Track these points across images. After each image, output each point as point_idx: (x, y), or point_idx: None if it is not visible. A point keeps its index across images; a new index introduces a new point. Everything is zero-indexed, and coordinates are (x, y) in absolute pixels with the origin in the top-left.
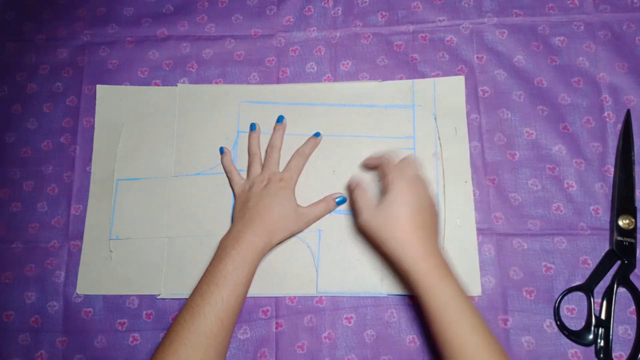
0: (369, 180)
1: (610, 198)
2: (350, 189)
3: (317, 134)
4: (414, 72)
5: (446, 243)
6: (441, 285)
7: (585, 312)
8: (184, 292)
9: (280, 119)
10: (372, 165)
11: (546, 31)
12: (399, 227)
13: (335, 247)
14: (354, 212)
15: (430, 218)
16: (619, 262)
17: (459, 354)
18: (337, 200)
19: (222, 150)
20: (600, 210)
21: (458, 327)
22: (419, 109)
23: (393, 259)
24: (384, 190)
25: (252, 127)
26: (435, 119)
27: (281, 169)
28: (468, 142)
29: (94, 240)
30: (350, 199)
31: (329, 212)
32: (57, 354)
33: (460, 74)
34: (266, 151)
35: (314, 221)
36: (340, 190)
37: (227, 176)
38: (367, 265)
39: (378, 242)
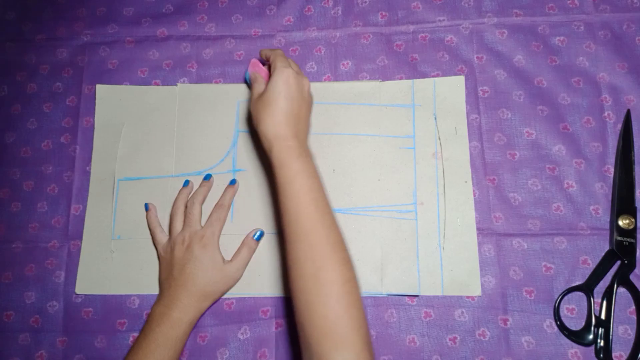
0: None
1: (610, 198)
2: (250, 76)
3: (232, 182)
4: (414, 72)
5: (446, 243)
6: (291, 160)
7: (585, 312)
8: None
9: (207, 177)
10: (266, 57)
11: (546, 31)
12: (271, 111)
13: None
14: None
15: (304, 109)
16: (619, 262)
17: (294, 224)
18: (255, 237)
19: (146, 207)
20: (600, 210)
21: (297, 201)
22: (419, 109)
23: (261, 140)
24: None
25: (186, 183)
26: (435, 118)
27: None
28: (468, 142)
29: (94, 240)
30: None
31: (255, 252)
32: (57, 354)
33: (460, 74)
34: (186, 205)
35: (244, 269)
36: (341, 188)
37: (150, 234)
38: (367, 265)
39: (255, 124)
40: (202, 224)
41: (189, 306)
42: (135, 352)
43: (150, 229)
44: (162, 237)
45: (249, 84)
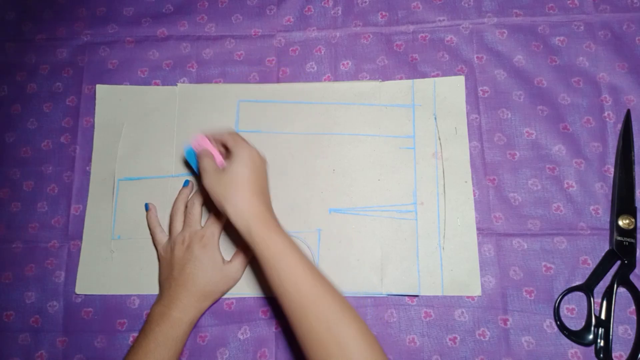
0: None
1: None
2: (197, 151)
3: None
4: (414, 72)
5: (446, 243)
6: (273, 236)
7: (585, 312)
8: None
9: (185, 183)
10: (222, 140)
11: (546, 31)
12: (238, 193)
13: (335, 247)
14: (200, 174)
15: (264, 186)
16: (619, 262)
17: (296, 295)
18: None
19: (146, 207)
20: (600, 210)
21: (294, 274)
22: (419, 109)
23: (233, 219)
24: (228, 160)
25: (186, 183)
26: (435, 118)
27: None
28: (468, 142)
29: (94, 240)
30: (198, 161)
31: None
32: (57, 354)
33: (460, 74)
34: (186, 205)
35: (244, 269)
36: (341, 188)
37: (150, 234)
38: (367, 265)
39: (218, 205)
40: (202, 224)
41: (189, 306)
42: (135, 351)
43: (150, 229)
44: (162, 237)
45: (188, 159)
